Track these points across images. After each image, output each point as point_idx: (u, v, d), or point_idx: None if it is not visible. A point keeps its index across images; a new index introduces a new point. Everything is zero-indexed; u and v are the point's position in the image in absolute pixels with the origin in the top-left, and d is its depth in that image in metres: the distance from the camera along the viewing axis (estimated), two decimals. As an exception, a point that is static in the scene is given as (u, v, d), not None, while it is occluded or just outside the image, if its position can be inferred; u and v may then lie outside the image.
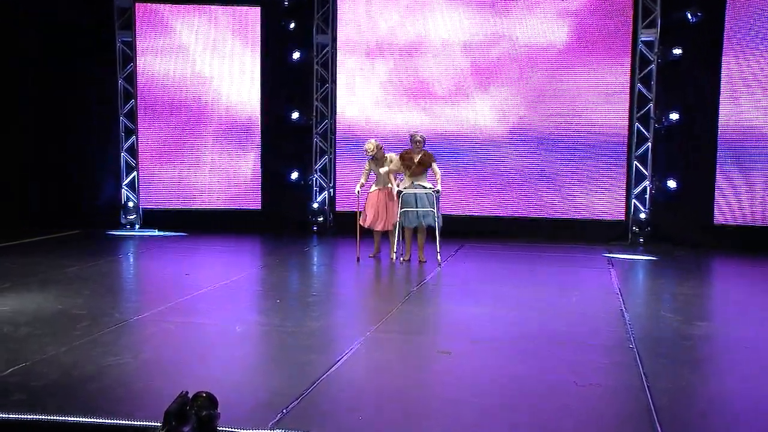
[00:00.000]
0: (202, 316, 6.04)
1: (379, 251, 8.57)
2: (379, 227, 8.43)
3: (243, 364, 4.81)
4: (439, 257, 8.18)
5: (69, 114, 11.08)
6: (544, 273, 8.21)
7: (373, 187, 8.54)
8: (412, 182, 8.20)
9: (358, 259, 8.20)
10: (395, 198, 8.23)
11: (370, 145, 8.39)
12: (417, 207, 8.16)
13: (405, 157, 8.24)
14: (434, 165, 8.22)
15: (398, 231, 8.15)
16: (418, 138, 8.25)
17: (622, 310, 6.34)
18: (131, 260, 9.06)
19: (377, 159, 8.42)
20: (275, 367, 4.81)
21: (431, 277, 7.75)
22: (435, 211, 8.14)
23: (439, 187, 8.13)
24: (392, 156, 8.45)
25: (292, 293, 7.14)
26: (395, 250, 8.32)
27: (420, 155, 8.20)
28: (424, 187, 8.18)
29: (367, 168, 8.51)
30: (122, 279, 7.88)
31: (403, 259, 8.34)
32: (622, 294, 6.98)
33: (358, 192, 8.41)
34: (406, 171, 8.21)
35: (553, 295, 6.99)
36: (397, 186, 8.21)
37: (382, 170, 8.20)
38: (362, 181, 8.52)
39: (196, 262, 8.82)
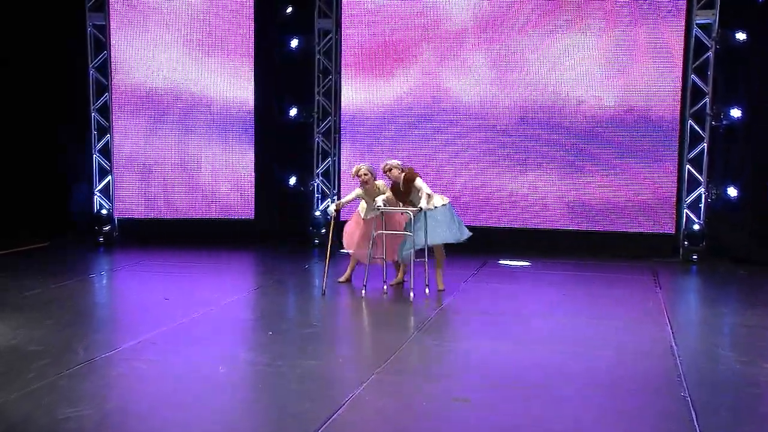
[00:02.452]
0: (181, 352, 5.91)
1: (350, 279, 8.38)
2: (379, 257, 8.13)
3: (225, 416, 4.67)
4: (439, 286, 8.04)
5: (32, 110, 11.02)
6: (579, 298, 8.02)
7: (367, 215, 8.23)
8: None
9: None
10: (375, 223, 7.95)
11: (356, 168, 8.13)
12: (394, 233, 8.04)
13: (396, 193, 7.98)
14: (417, 180, 7.83)
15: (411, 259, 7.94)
16: (387, 169, 7.91)
17: (672, 345, 6.14)
18: (104, 281, 8.98)
19: (367, 187, 8.11)
20: (262, 419, 4.67)
21: (447, 305, 7.58)
22: (414, 231, 7.78)
23: (423, 202, 7.68)
24: (381, 184, 8.12)
25: (288, 323, 6.99)
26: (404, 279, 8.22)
27: (402, 178, 7.88)
28: (415, 206, 7.88)
29: (358, 193, 8.19)
30: (91, 305, 7.78)
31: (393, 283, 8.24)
32: (672, 324, 6.78)
33: (333, 212, 8.11)
34: (395, 196, 8.01)
35: (589, 326, 6.80)
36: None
37: (378, 199, 7.86)
38: (343, 201, 8.25)
39: (179, 283, 8.71)
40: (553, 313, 7.30)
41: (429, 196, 7.76)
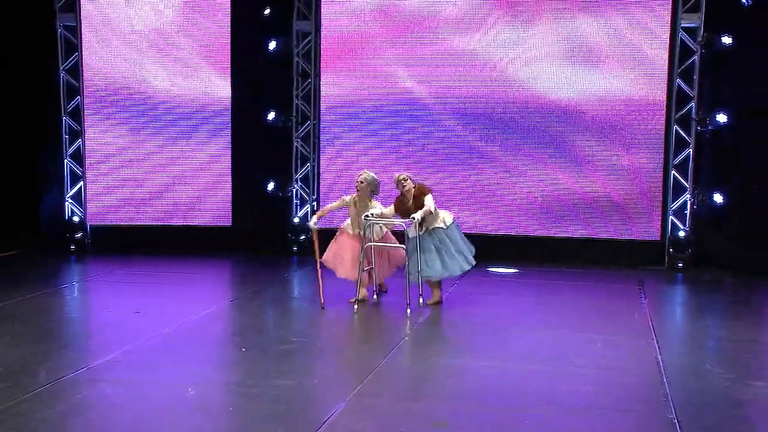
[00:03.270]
0: (150, 372, 5.71)
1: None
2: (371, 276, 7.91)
3: (191, 443, 4.48)
4: (436, 295, 7.85)
5: (1, 115, 10.75)
6: (562, 309, 7.88)
7: (348, 227, 7.96)
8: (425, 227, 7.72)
9: (322, 307, 7.71)
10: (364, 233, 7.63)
11: (366, 176, 7.76)
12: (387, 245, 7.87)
13: (401, 208, 7.69)
14: (427, 198, 7.59)
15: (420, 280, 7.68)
16: (402, 178, 7.66)
17: (658, 361, 6.01)
18: (74, 293, 8.74)
19: (361, 196, 7.82)
20: (231, 447, 4.48)
21: (429, 318, 7.41)
22: (408, 248, 7.58)
23: (418, 216, 7.40)
24: (376, 204, 7.79)
25: (264, 338, 6.79)
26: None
27: (413, 197, 7.64)
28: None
29: (346, 201, 7.95)
30: (59, 319, 7.53)
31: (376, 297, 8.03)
32: (658, 338, 6.66)
33: (314, 225, 7.83)
34: (398, 211, 7.74)
35: (572, 341, 6.66)
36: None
37: (374, 211, 7.58)
38: (328, 208, 8.00)
39: (152, 294, 8.48)
40: (535, 326, 7.16)
41: (431, 212, 7.54)
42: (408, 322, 7.24)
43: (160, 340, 6.50)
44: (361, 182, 7.79)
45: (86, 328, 7.30)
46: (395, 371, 5.83)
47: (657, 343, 6.54)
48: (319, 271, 7.76)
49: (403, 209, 7.70)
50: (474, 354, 6.25)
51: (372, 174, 7.84)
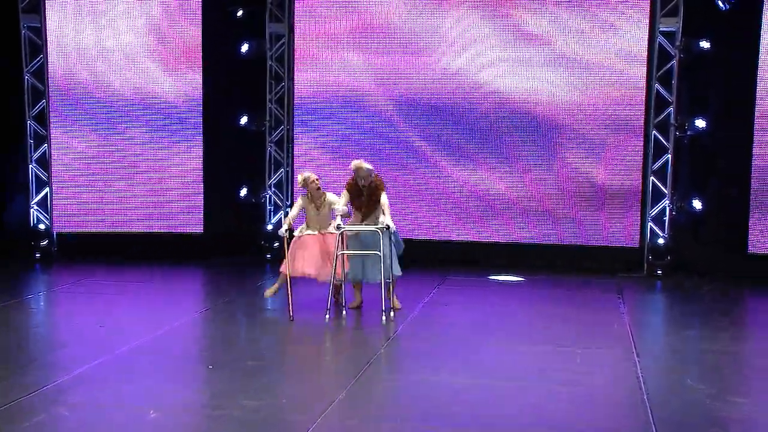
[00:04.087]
0: (110, 392, 5.45)
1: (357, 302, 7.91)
2: (314, 274, 7.70)
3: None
4: (393, 306, 7.59)
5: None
6: (540, 320, 7.71)
7: (306, 231, 7.82)
8: (363, 222, 7.60)
9: (291, 318, 7.47)
10: (336, 241, 7.44)
11: (301, 176, 7.80)
12: (362, 249, 7.54)
13: (352, 190, 7.57)
14: (383, 197, 7.50)
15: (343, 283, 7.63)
16: (364, 172, 7.47)
17: (639, 377, 5.84)
18: (37, 304, 8.42)
19: (311, 196, 7.75)
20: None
21: (403, 331, 7.20)
22: (384, 255, 7.37)
23: (390, 223, 7.35)
24: (331, 197, 7.76)
25: (232, 354, 6.54)
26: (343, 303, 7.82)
27: (366, 191, 7.50)
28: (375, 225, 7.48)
29: (299, 204, 7.85)
30: (18, 334, 7.21)
31: (352, 305, 7.82)
32: (638, 351, 6.50)
33: (285, 233, 7.69)
34: (356, 211, 7.62)
35: (549, 354, 6.48)
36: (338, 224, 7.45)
37: (337, 209, 7.46)
38: (291, 217, 7.81)
39: (119, 305, 8.20)
40: (512, 339, 6.97)
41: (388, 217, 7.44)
42: (381, 336, 7.03)
43: (123, 357, 6.24)
44: (314, 185, 7.72)
45: (47, 344, 6.99)
46: (367, 390, 5.61)
47: (637, 356, 6.38)
48: (288, 281, 7.55)
49: (356, 200, 7.54)
50: (449, 370, 6.04)
51: (302, 175, 7.79)
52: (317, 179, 7.81)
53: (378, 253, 7.41)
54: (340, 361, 6.51)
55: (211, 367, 6.12)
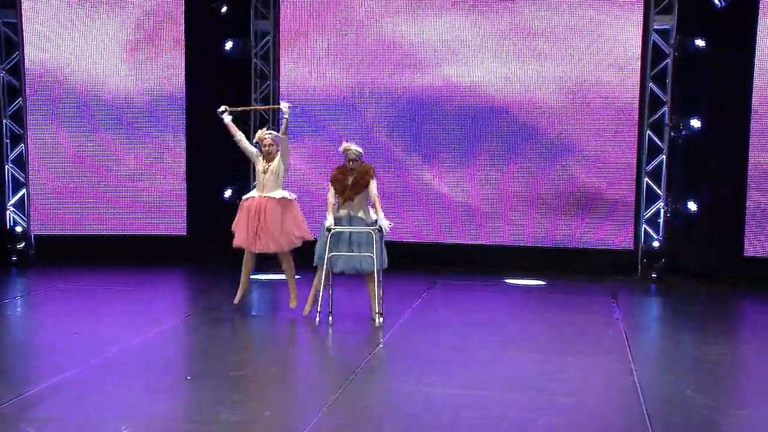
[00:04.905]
0: (82, 406, 5.17)
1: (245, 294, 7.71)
2: (249, 246, 7.41)
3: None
4: (378, 311, 7.18)
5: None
6: (532, 326, 7.49)
7: (252, 193, 7.58)
8: (348, 213, 7.25)
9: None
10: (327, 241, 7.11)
11: (262, 132, 7.58)
12: (352, 249, 7.15)
13: (336, 179, 7.26)
14: (372, 185, 7.15)
15: (323, 276, 7.20)
16: (353, 154, 7.16)
17: (637, 388, 5.61)
18: (11, 310, 8.12)
19: (266, 152, 7.45)
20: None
21: (393, 336, 6.96)
22: (375, 254, 7.10)
23: (383, 221, 7.07)
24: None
25: (214, 363, 6.27)
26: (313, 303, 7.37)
27: (354, 174, 7.20)
28: (363, 221, 7.21)
29: (254, 154, 7.61)
30: (-10, 341, 6.94)
31: (305, 313, 7.44)
32: (635, 360, 6.28)
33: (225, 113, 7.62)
34: (339, 196, 7.29)
35: (544, 363, 6.24)
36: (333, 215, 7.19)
37: (269, 164, 7.32)
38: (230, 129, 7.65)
39: (98, 310, 7.91)
40: (504, 346, 6.75)
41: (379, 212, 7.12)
42: (369, 342, 6.78)
43: (97, 367, 5.95)
44: (268, 148, 7.47)
45: (19, 353, 6.67)
46: (353, 402, 5.35)
47: (634, 365, 6.15)
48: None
49: (341, 184, 7.20)
50: (439, 379, 5.79)
51: (271, 135, 7.54)
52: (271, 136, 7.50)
53: (372, 255, 7.11)
54: (325, 370, 6.25)
55: (189, 377, 5.85)
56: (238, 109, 8.02)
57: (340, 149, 7.29)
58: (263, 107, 8.12)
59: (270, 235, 7.35)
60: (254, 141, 7.66)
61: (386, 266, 7.43)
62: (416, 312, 7.85)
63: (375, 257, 7.06)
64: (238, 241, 7.54)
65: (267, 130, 7.69)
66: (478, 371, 6.02)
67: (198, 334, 7.16)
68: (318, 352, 6.81)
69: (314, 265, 7.36)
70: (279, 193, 7.42)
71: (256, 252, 7.52)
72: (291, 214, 7.43)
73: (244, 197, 7.63)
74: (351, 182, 7.20)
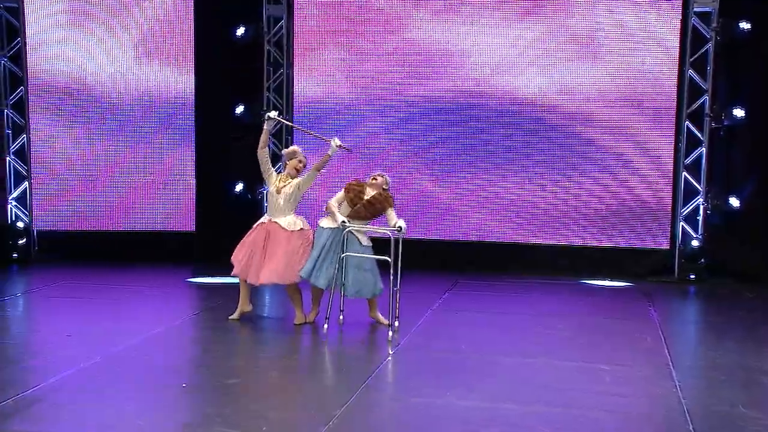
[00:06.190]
0: (66, 415, 4.72)
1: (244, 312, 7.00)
2: (248, 277, 6.81)
3: None
4: (388, 322, 6.64)
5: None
6: (563, 331, 6.93)
7: (262, 218, 7.01)
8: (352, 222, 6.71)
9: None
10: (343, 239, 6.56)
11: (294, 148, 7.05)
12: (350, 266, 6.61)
13: (352, 189, 6.77)
14: (391, 211, 6.71)
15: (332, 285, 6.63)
16: (383, 179, 6.81)
17: (682, 403, 5.03)
18: (7, 309, 7.71)
19: (291, 169, 6.89)
20: None
21: (406, 343, 6.42)
22: (374, 278, 6.64)
23: (402, 223, 6.49)
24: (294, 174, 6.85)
25: (211, 370, 5.78)
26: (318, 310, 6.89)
27: (374, 194, 6.73)
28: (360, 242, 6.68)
29: (268, 167, 6.99)
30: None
31: (308, 320, 6.91)
32: (677, 370, 5.70)
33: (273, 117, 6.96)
34: (348, 205, 6.75)
35: (576, 373, 5.69)
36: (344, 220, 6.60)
37: (286, 184, 6.73)
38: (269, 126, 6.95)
39: (96, 310, 7.49)
40: (531, 353, 6.18)
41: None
42: (381, 351, 6.26)
43: (86, 372, 5.49)
44: (301, 163, 6.93)
45: (7, 356, 6.23)
46: (363, 416, 4.83)
47: (676, 376, 5.57)
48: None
49: (355, 197, 6.69)
50: (457, 391, 5.25)
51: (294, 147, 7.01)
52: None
53: (388, 258, 6.54)
54: (332, 380, 5.72)
55: (185, 385, 5.36)
56: (289, 123, 7.40)
57: (375, 175, 6.86)
58: (315, 134, 7.51)
59: (273, 267, 6.70)
60: (282, 151, 7.11)
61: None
62: (434, 315, 7.32)
63: (392, 261, 6.47)
64: (237, 271, 6.91)
65: (299, 148, 7.06)
66: (499, 382, 5.47)
67: (198, 337, 6.70)
68: (325, 360, 6.27)
69: (309, 280, 6.78)
70: (290, 220, 6.83)
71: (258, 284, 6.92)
72: (300, 244, 6.81)
73: (256, 224, 7.00)
74: (368, 199, 6.71)
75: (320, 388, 5.54)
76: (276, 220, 6.82)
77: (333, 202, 6.77)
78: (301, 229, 6.82)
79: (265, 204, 7.65)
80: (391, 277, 6.52)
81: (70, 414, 4.76)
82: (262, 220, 7.00)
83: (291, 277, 6.75)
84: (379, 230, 6.72)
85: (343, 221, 6.57)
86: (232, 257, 6.99)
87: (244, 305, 7.01)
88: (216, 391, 5.21)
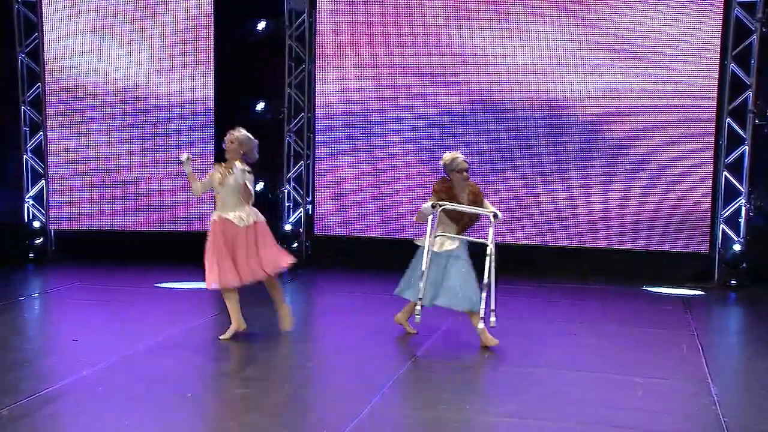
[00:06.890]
0: (65, 426, 4.50)
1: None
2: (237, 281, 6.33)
3: None
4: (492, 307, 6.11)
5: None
6: (595, 341, 6.59)
7: (216, 213, 6.58)
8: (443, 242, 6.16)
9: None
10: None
11: (238, 134, 6.58)
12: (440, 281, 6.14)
13: (442, 195, 6.07)
14: (486, 204, 6.24)
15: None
16: (466, 165, 6.15)
17: (720, 417, 4.67)
18: (18, 311, 7.56)
19: (229, 157, 6.48)
20: None
21: (427, 350, 6.12)
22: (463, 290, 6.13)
23: (497, 212, 6.06)
24: (240, 165, 6.51)
25: (219, 378, 5.56)
26: None
27: (468, 193, 6.18)
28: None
29: (212, 175, 6.61)
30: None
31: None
32: (716, 385, 5.32)
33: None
34: (451, 222, 6.16)
35: (609, 386, 5.36)
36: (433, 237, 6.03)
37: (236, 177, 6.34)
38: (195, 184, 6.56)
39: (105, 313, 7.31)
40: (561, 364, 5.85)
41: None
42: (400, 357, 5.97)
43: (89, 379, 5.29)
44: (231, 142, 6.55)
45: (12, 361, 6.04)
46: (378, 428, 4.54)
47: (715, 392, 5.20)
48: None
49: (456, 213, 6.11)
50: (480, 405, 4.94)
51: (245, 132, 6.59)
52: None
53: (489, 244, 5.93)
54: (344, 390, 5.43)
55: (189, 395, 5.12)
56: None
57: (446, 161, 6.18)
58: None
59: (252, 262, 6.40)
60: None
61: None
62: (459, 320, 6.99)
63: (490, 251, 5.94)
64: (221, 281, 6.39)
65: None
66: (526, 395, 5.15)
67: (208, 343, 6.43)
68: (340, 369, 5.98)
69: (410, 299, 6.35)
70: (245, 212, 6.54)
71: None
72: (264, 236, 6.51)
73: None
74: (469, 202, 6.15)
75: (332, 398, 5.25)
76: (228, 215, 6.53)
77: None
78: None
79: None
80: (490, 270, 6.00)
81: (68, 424, 4.57)
82: (213, 217, 6.59)
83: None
84: (482, 211, 6.09)
85: (434, 204, 6.02)
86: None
87: (240, 322, 6.47)
88: (225, 400, 5.03)
